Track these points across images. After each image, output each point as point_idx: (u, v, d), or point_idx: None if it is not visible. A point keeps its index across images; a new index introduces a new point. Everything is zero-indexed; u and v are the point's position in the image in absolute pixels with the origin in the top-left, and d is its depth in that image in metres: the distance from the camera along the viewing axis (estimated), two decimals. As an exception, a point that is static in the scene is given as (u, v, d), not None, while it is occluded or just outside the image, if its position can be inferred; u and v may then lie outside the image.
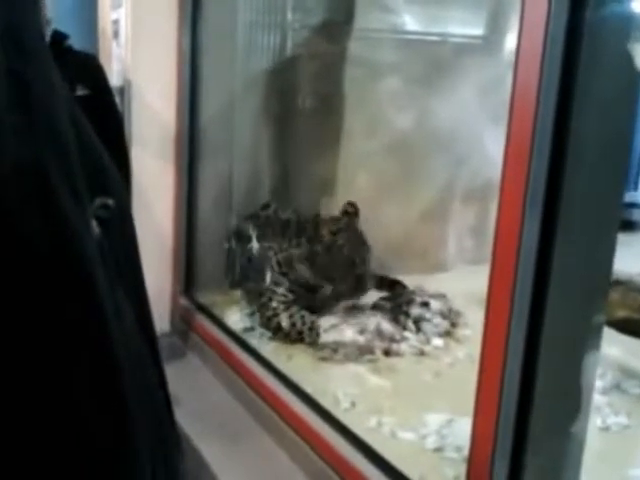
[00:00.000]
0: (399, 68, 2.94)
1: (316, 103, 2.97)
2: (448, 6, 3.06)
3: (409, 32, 3.03)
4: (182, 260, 2.70)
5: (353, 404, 1.84)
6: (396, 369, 2.08)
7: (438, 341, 2.28)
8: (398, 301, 2.45)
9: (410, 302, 2.41)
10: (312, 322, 2.24)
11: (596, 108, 1.03)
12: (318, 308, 2.35)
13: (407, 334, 2.27)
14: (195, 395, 2.11)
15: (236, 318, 2.50)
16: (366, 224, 2.45)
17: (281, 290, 2.36)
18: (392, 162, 2.98)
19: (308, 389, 1.88)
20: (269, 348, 2.23)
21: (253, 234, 2.49)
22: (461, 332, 2.37)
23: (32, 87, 0.42)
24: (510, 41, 2.92)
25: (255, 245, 2.47)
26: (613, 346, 2.02)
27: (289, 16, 2.96)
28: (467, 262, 3.10)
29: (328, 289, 2.31)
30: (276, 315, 2.31)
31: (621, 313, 2.05)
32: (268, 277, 2.39)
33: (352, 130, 2.93)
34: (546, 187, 1.02)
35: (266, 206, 2.62)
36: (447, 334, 2.34)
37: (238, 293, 2.62)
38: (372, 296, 2.53)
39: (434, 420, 1.73)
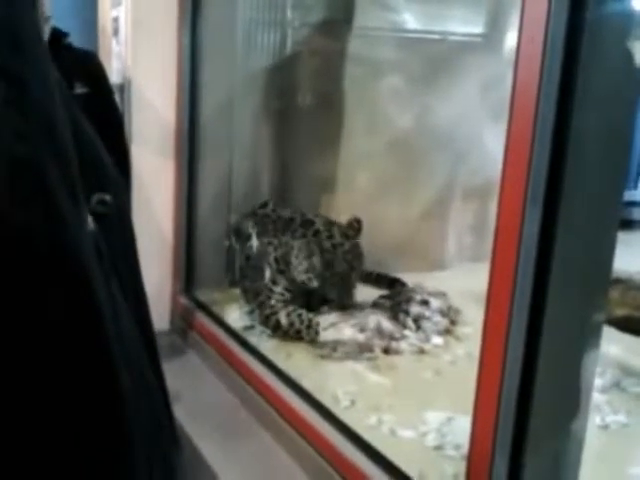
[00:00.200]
0: (399, 66, 2.94)
1: (316, 101, 2.97)
2: (448, 4, 3.06)
3: (409, 30, 3.03)
4: (182, 258, 2.70)
5: (353, 402, 1.84)
6: (396, 367, 2.08)
7: (438, 339, 2.28)
8: (398, 299, 2.45)
9: (410, 300, 2.41)
10: (310, 320, 2.24)
11: (596, 106, 1.03)
12: (316, 306, 2.35)
13: (407, 332, 2.27)
14: (195, 393, 2.11)
15: (236, 316, 2.50)
16: (366, 222, 2.45)
17: (279, 289, 2.36)
18: (392, 160, 2.98)
19: (308, 387, 1.88)
20: (269, 346, 2.24)
21: (253, 232, 2.49)
22: (461, 330, 2.37)
23: (29, 86, 0.42)
24: (510, 39, 2.91)
25: (255, 243, 2.47)
26: (613, 344, 2.02)
27: (289, 14, 2.96)
28: (467, 260, 3.10)
29: (315, 284, 2.31)
30: (274, 313, 2.31)
31: (621, 311, 2.06)
32: (267, 275, 2.39)
33: (352, 128, 2.93)
34: (546, 185, 1.02)
35: (264, 204, 2.62)
36: (447, 332, 2.34)
37: (238, 291, 2.62)
38: (372, 294, 2.53)
39: (434, 418, 1.74)
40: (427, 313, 2.36)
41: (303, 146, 2.94)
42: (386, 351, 2.16)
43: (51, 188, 0.41)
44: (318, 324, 2.22)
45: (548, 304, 1.05)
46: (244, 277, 2.55)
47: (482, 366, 1.16)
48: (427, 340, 2.26)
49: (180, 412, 1.93)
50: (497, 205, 1.11)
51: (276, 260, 2.39)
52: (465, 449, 1.25)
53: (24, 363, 0.39)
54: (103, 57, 2.62)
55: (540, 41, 1.00)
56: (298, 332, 2.24)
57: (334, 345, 2.15)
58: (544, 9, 0.99)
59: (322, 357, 2.13)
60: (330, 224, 2.39)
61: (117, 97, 2.49)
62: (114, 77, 2.62)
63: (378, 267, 2.80)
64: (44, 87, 0.44)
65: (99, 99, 2.23)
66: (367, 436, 1.61)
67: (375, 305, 2.44)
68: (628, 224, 3.38)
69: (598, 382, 1.87)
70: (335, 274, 2.30)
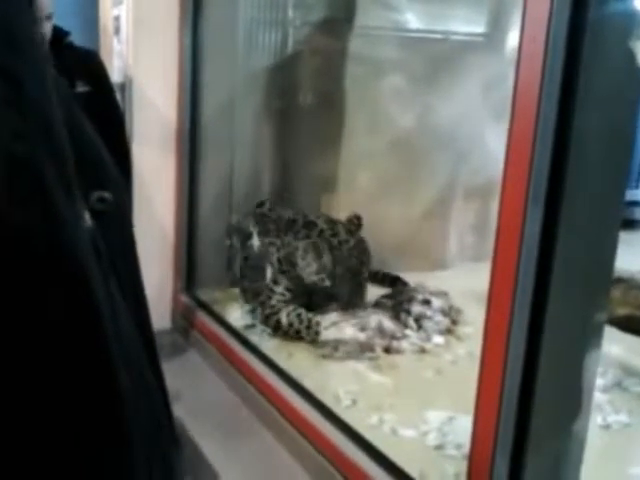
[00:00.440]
0: (401, 66, 2.94)
1: (317, 101, 2.97)
2: (450, 3, 3.06)
3: (411, 30, 3.03)
4: (183, 257, 2.70)
5: (354, 401, 1.84)
6: (397, 366, 2.08)
7: (439, 339, 2.28)
8: (399, 299, 2.45)
9: (411, 300, 2.41)
10: (309, 320, 2.24)
11: (598, 105, 1.02)
12: (314, 308, 2.35)
13: (408, 331, 2.27)
14: (196, 392, 2.11)
15: (237, 315, 2.50)
16: (367, 222, 2.45)
17: (280, 289, 2.36)
18: (393, 160, 2.98)
19: (309, 386, 1.88)
20: (270, 345, 2.24)
21: (254, 231, 2.49)
22: (462, 329, 2.37)
23: (26, 85, 0.42)
24: (512, 39, 2.91)
25: (256, 242, 2.47)
26: (614, 344, 2.02)
27: (290, 13, 2.96)
28: (468, 259, 3.10)
29: (327, 283, 2.31)
30: (275, 313, 2.31)
31: (622, 311, 2.05)
32: (268, 274, 2.40)
33: (353, 128, 2.93)
34: (548, 184, 1.02)
35: (261, 204, 2.62)
36: (448, 331, 2.34)
37: (239, 290, 2.62)
38: (373, 294, 2.53)
39: (435, 417, 1.74)
40: (428, 312, 2.36)
41: (304, 145, 2.94)
42: (387, 350, 2.16)
43: (48, 187, 0.41)
44: (318, 324, 2.22)
45: (549, 304, 1.05)
46: (244, 276, 2.55)
47: (483, 366, 1.16)
48: (428, 339, 2.26)
49: (181, 411, 1.94)
50: (498, 204, 1.11)
51: (279, 261, 2.38)
52: (466, 448, 1.25)
53: (22, 363, 0.39)
54: (104, 56, 2.62)
55: (542, 40, 1.00)
56: (298, 332, 2.24)
57: (335, 344, 2.15)
58: (546, 9, 0.99)
59: (323, 357, 2.13)
60: (333, 222, 2.40)
61: (118, 96, 2.49)
62: (115, 76, 2.62)
63: (380, 266, 2.80)
64: (41, 87, 0.44)
65: (100, 98, 2.23)
66: (368, 435, 1.61)
67: (377, 304, 2.44)
68: (630, 224, 3.38)
69: (600, 382, 1.86)
70: (346, 271, 2.30)
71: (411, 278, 2.74)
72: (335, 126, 2.93)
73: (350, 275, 2.31)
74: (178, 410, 1.95)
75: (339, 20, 2.92)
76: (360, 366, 2.07)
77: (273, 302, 2.34)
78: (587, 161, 1.04)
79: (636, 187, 4.49)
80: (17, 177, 0.39)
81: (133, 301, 0.60)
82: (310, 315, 2.27)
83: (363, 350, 2.13)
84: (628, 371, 2.01)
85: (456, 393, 1.70)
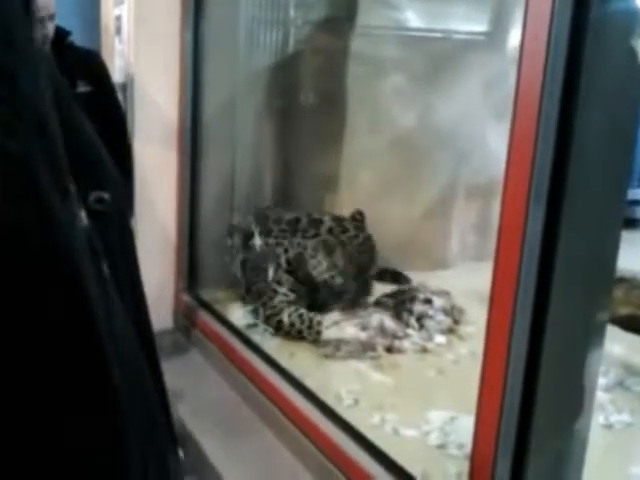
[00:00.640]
0: (402, 65, 2.94)
1: (319, 100, 2.97)
2: (451, 2, 3.05)
3: (412, 29, 3.02)
4: (185, 257, 2.70)
5: (356, 401, 1.84)
6: (399, 366, 2.08)
7: (441, 338, 2.27)
8: (401, 298, 2.44)
9: (413, 299, 2.41)
10: (310, 320, 2.24)
11: (600, 104, 1.02)
12: (319, 307, 2.35)
13: (410, 331, 2.27)
14: (198, 391, 2.12)
15: (239, 315, 2.50)
16: (369, 221, 2.45)
17: (283, 289, 2.36)
18: (395, 159, 2.98)
19: (311, 386, 1.88)
20: (272, 345, 2.24)
21: (256, 230, 2.49)
22: (464, 329, 2.36)
23: (20, 82, 0.42)
24: (514, 37, 2.90)
25: (258, 242, 2.47)
26: (616, 343, 2.02)
27: (292, 12, 2.95)
28: (470, 259, 3.10)
29: (339, 281, 2.31)
30: (276, 314, 2.31)
31: (625, 310, 2.05)
32: (270, 274, 2.39)
33: (355, 127, 2.93)
34: (550, 184, 1.02)
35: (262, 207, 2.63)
36: (450, 331, 2.34)
37: (241, 290, 2.62)
38: (375, 291, 2.53)
39: (437, 417, 1.73)
40: (430, 312, 2.36)
41: (306, 145, 2.94)
42: (389, 350, 2.16)
43: (43, 185, 0.41)
44: (320, 324, 2.22)
45: (551, 303, 1.05)
46: (245, 276, 2.55)
47: (485, 365, 1.16)
48: (430, 339, 2.26)
49: (183, 409, 1.94)
50: (500, 204, 1.11)
51: (288, 262, 2.38)
52: (468, 448, 1.25)
53: (14, 363, 0.39)
54: (106, 56, 2.62)
55: (544, 39, 1.00)
56: (300, 332, 2.24)
57: (337, 344, 2.14)
58: (548, 7, 0.99)
59: (325, 356, 2.13)
60: (339, 219, 2.40)
61: (120, 95, 2.49)
62: (117, 76, 2.62)
63: (382, 265, 2.80)
64: (35, 84, 0.44)
65: (102, 97, 2.23)
66: (370, 435, 1.61)
67: (378, 304, 2.43)
68: (632, 223, 3.37)
69: (602, 381, 1.86)
70: (355, 267, 2.30)
71: (413, 277, 2.74)
72: (336, 125, 2.93)
73: (358, 272, 2.31)
74: (180, 409, 1.96)
75: (340, 19, 2.92)
76: (362, 365, 2.07)
77: (275, 302, 2.34)
78: (589, 160, 1.03)
79: (638, 186, 4.48)
80: (11, 174, 0.39)
81: (132, 301, 0.60)
82: (311, 315, 2.27)
83: (365, 349, 2.13)
84: (630, 370, 2.00)
85: (458, 393, 1.70)
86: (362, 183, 3.00)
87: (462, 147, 3.06)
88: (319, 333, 2.20)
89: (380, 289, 2.57)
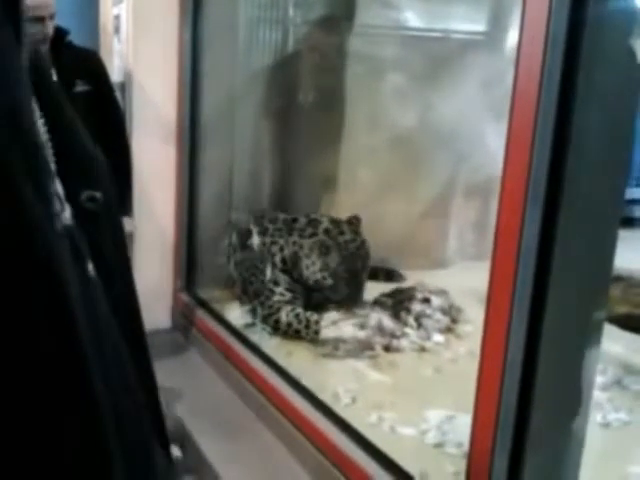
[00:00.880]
0: (401, 64, 2.94)
1: (317, 99, 2.97)
2: (450, 2, 3.05)
3: (411, 28, 3.03)
4: (183, 256, 2.70)
5: (354, 400, 1.84)
6: (397, 365, 2.08)
7: (439, 337, 2.28)
8: (399, 297, 2.45)
9: (411, 298, 2.41)
10: (307, 320, 2.24)
11: (597, 104, 1.02)
12: (314, 306, 2.35)
13: (408, 330, 2.27)
14: (196, 390, 2.12)
15: (237, 314, 2.50)
16: (367, 220, 2.45)
17: (279, 289, 2.36)
18: (394, 158, 2.98)
19: (309, 385, 1.88)
20: (270, 344, 2.24)
21: (254, 229, 2.49)
22: (462, 328, 2.37)
23: None
24: (512, 37, 2.91)
25: (256, 241, 2.47)
26: (614, 342, 2.02)
27: (290, 11, 2.95)
28: (468, 258, 3.10)
29: (329, 282, 2.30)
30: (274, 313, 2.31)
31: (622, 309, 2.06)
32: (268, 273, 2.39)
33: (354, 126, 2.93)
34: (547, 183, 1.02)
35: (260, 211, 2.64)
36: (448, 330, 2.34)
37: (238, 289, 2.62)
38: (373, 292, 2.53)
39: (434, 416, 1.74)
40: (428, 311, 2.36)
41: (304, 144, 2.94)
42: (387, 349, 2.16)
43: (17, 183, 0.39)
44: (317, 323, 2.22)
45: (549, 302, 1.05)
46: (243, 276, 2.55)
47: (483, 364, 1.16)
48: (428, 338, 2.26)
49: (181, 409, 1.94)
50: (498, 203, 1.11)
51: (283, 260, 2.38)
52: (466, 447, 1.26)
53: None
54: (104, 55, 2.63)
55: (541, 39, 1.00)
56: (297, 332, 2.24)
57: (335, 343, 2.15)
58: (545, 7, 0.99)
59: (324, 355, 2.13)
60: (337, 222, 2.40)
61: (118, 95, 2.49)
62: (115, 75, 2.62)
63: (380, 265, 2.80)
64: (11, 81, 0.41)
65: (100, 97, 2.24)
66: (368, 434, 1.61)
67: (376, 303, 2.43)
68: (629, 222, 3.37)
69: (599, 380, 1.86)
70: (348, 270, 2.29)
71: (411, 277, 2.74)
72: (335, 124, 2.92)
73: (351, 275, 2.31)
74: (178, 409, 1.96)
75: (339, 18, 2.92)
76: (360, 364, 2.07)
77: (272, 302, 2.34)
78: (586, 159, 1.03)
79: (636, 185, 4.48)
80: None
81: (124, 302, 0.59)
82: (309, 314, 2.27)
83: (363, 348, 2.13)
84: (628, 369, 2.01)
85: (456, 391, 1.70)
86: (360, 182, 3.00)
87: (461, 146, 3.06)
88: (317, 332, 2.20)
89: (374, 287, 2.57)
